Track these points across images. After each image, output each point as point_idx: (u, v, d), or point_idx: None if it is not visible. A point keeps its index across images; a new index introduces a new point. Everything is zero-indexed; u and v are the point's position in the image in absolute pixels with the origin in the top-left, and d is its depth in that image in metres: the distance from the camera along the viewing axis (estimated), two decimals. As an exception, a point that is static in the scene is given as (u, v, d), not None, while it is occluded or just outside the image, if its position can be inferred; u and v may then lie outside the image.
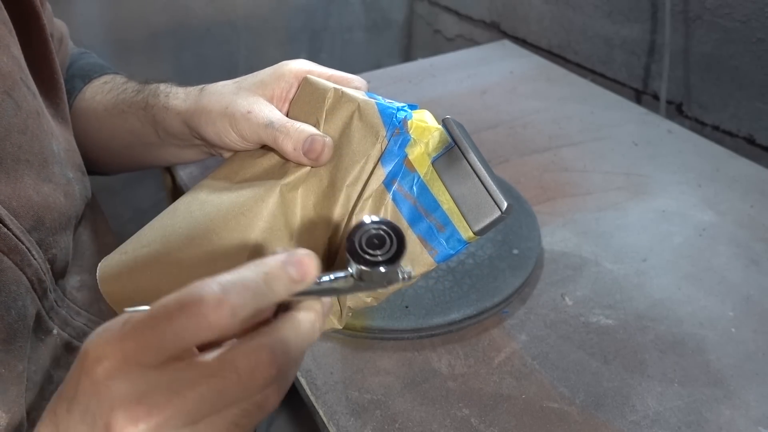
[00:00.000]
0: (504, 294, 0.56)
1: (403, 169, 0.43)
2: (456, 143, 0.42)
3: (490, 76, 0.97)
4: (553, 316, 0.56)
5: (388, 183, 0.43)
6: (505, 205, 0.40)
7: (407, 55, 1.52)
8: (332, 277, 0.30)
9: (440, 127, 0.43)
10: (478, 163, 0.41)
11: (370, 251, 0.30)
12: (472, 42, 1.28)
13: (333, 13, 1.37)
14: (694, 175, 0.74)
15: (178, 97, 0.52)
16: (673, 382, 0.50)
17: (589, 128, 0.84)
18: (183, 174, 0.75)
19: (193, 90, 0.51)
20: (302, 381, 0.50)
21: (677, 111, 0.91)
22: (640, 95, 0.96)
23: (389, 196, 0.42)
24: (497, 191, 0.40)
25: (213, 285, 0.25)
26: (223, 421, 0.26)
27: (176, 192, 0.81)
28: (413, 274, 0.36)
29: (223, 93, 0.48)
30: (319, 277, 0.29)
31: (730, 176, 0.74)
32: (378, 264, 0.30)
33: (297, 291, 0.28)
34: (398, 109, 0.43)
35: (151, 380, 0.24)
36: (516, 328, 0.55)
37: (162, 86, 0.54)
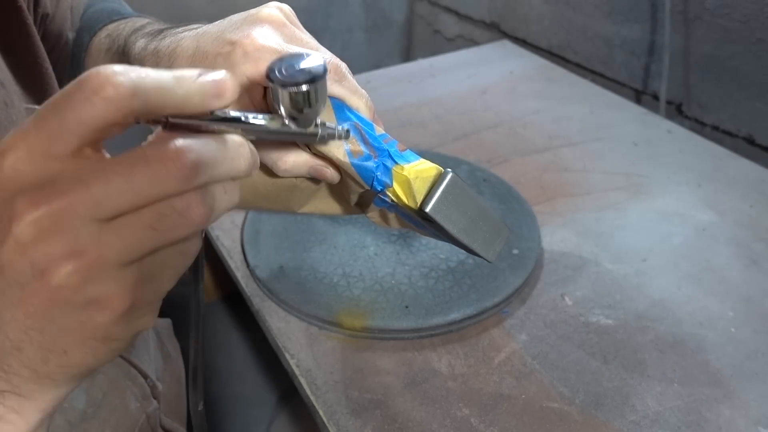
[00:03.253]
0: (504, 294, 0.56)
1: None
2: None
3: (490, 76, 0.98)
4: (553, 316, 0.56)
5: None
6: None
7: (407, 56, 1.52)
8: (261, 115, 0.29)
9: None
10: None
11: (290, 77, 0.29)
12: (472, 42, 1.28)
13: (333, 14, 1.37)
14: (694, 175, 0.74)
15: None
16: (673, 381, 0.50)
17: (589, 128, 0.84)
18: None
19: (168, 47, 0.48)
20: (302, 381, 0.50)
21: (677, 111, 0.91)
22: (640, 95, 0.96)
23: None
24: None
25: (114, 66, 0.23)
26: (138, 221, 0.24)
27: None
28: (344, 128, 0.34)
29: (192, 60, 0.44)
30: (242, 113, 0.28)
31: (729, 176, 0.74)
32: (298, 83, 0.29)
33: (211, 107, 0.26)
34: (378, 167, 0.40)
35: (56, 168, 0.23)
36: (516, 328, 0.55)
37: (149, 52, 0.49)
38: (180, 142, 0.24)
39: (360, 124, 0.40)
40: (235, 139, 0.27)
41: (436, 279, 0.57)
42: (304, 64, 0.30)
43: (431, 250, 0.60)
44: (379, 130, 0.41)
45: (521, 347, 0.53)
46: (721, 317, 0.56)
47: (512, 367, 0.51)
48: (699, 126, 0.88)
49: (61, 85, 0.55)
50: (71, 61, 0.61)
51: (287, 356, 0.52)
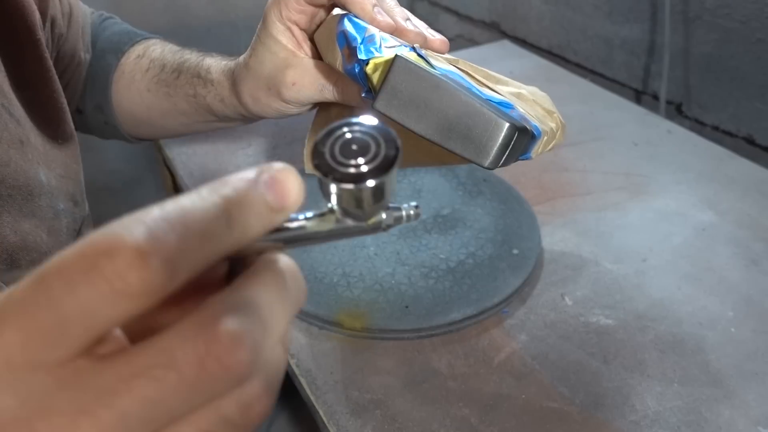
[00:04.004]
0: (504, 294, 0.56)
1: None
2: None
3: (490, 76, 0.97)
4: (553, 316, 0.56)
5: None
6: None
7: (407, 55, 1.52)
8: (303, 215, 0.21)
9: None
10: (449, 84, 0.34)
11: (346, 161, 0.20)
12: (472, 42, 1.28)
13: (333, 14, 1.37)
14: (694, 175, 0.74)
15: (223, 86, 0.53)
16: (673, 381, 0.50)
17: (589, 128, 0.84)
18: (183, 174, 0.75)
19: (229, 77, 0.53)
20: (302, 381, 0.50)
21: (677, 111, 0.91)
22: (640, 95, 0.96)
23: None
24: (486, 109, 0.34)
25: (134, 225, 0.16)
26: None
27: (176, 192, 0.81)
28: (417, 207, 0.24)
29: (259, 77, 0.50)
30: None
31: (729, 176, 0.74)
32: (362, 177, 0.19)
33: (273, 226, 0.19)
34: (354, 68, 0.39)
35: (47, 389, 0.16)
36: (516, 328, 0.55)
37: (202, 71, 0.55)
38: (227, 320, 0.16)
39: (349, 28, 0.40)
40: (286, 264, 0.19)
41: (436, 279, 0.57)
42: (366, 141, 0.20)
43: (431, 250, 0.60)
44: (372, 30, 0.40)
45: (521, 347, 0.53)
46: (721, 317, 0.56)
47: (512, 367, 0.51)
48: (699, 126, 0.88)
49: (71, 109, 0.55)
50: (92, 82, 0.62)
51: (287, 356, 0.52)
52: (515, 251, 0.60)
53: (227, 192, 0.17)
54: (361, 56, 0.38)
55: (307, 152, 0.53)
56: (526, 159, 0.41)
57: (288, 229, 0.20)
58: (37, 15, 0.47)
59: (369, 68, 0.38)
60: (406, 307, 0.54)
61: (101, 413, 0.16)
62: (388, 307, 0.54)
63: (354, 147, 0.20)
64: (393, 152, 0.20)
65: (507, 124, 0.35)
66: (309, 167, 0.53)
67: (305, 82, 0.48)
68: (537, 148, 0.42)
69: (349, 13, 0.43)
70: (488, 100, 0.37)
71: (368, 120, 0.21)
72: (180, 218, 0.16)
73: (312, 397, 0.49)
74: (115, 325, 0.16)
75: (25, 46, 0.46)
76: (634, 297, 0.58)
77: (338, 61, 0.42)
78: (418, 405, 0.48)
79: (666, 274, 0.60)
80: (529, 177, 0.74)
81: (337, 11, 0.46)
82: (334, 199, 0.20)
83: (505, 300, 0.56)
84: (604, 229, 0.66)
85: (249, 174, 0.18)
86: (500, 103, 0.38)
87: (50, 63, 0.49)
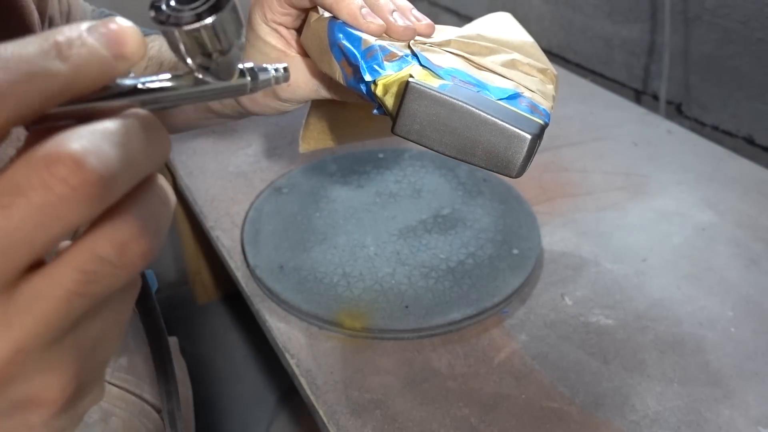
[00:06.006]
0: (504, 294, 0.56)
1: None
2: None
3: (490, 76, 0.97)
4: (553, 316, 0.56)
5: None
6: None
7: (407, 56, 1.52)
8: (160, 76, 0.21)
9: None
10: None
11: (182, 8, 0.20)
12: (472, 42, 1.28)
13: (333, 14, 1.37)
14: (694, 175, 0.74)
15: None
16: (673, 381, 0.50)
17: (589, 128, 0.84)
18: (183, 173, 0.75)
19: None
20: (302, 381, 0.50)
21: (677, 111, 0.91)
22: (640, 95, 0.96)
23: None
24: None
25: None
26: (55, 287, 0.17)
27: (176, 193, 0.81)
28: (280, 68, 0.24)
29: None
30: (136, 79, 0.20)
31: (729, 176, 0.74)
32: (198, 18, 0.20)
33: (115, 73, 0.18)
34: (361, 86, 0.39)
35: None
36: (516, 328, 0.55)
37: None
38: (70, 142, 0.16)
39: (344, 42, 0.40)
40: (142, 115, 0.19)
41: (436, 279, 0.57)
42: None
43: (431, 250, 0.60)
44: (368, 40, 0.39)
45: (521, 347, 0.53)
46: (721, 317, 0.56)
47: (512, 367, 0.51)
48: (699, 126, 0.88)
49: None
50: None
51: (287, 356, 0.52)
52: (515, 251, 0.60)
53: (57, 33, 0.17)
54: (367, 78, 0.38)
55: (301, 134, 0.53)
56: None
57: (144, 90, 0.20)
58: (35, 15, 0.47)
59: (379, 91, 0.38)
60: (406, 307, 0.54)
61: None
62: (388, 307, 0.54)
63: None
64: None
65: (529, 137, 0.35)
66: (302, 146, 0.54)
67: (299, 82, 0.48)
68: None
69: (335, 19, 0.42)
70: (501, 102, 0.37)
71: None
72: (12, 50, 0.16)
73: (312, 397, 0.49)
74: None
75: (18, 30, 0.46)
76: (634, 297, 0.58)
77: (338, 74, 0.42)
78: (418, 405, 0.48)
79: (666, 274, 0.60)
80: (529, 177, 0.74)
81: (321, 12, 0.44)
82: (182, 50, 0.21)
83: (505, 300, 0.56)
84: (604, 229, 0.66)
85: (84, 23, 0.18)
86: (509, 97, 0.38)
87: None
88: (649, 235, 0.65)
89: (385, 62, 0.38)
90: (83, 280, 0.17)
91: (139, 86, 0.20)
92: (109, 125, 0.17)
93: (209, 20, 0.20)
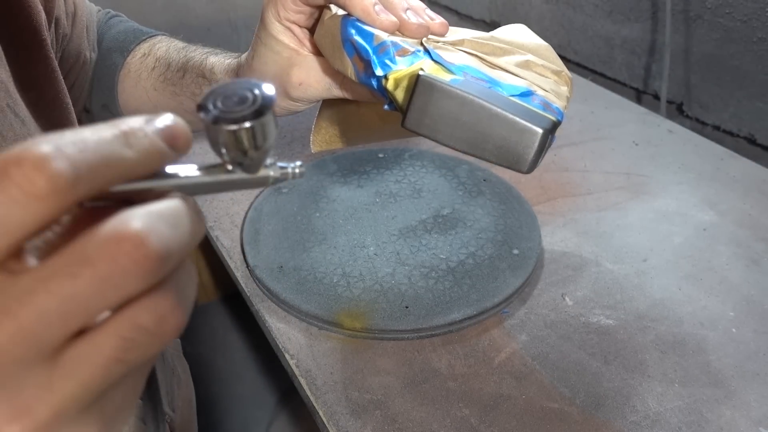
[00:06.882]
0: (504, 294, 0.55)
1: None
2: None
3: (490, 75, 0.97)
4: (554, 316, 0.56)
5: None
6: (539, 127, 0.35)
7: (407, 55, 1.52)
8: (195, 166, 0.23)
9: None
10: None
11: (228, 109, 0.23)
12: (473, 42, 1.28)
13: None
14: (695, 174, 0.74)
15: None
16: (674, 382, 0.50)
17: (590, 128, 0.83)
18: (183, 174, 0.75)
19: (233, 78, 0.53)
20: (302, 381, 0.50)
21: (678, 111, 0.90)
22: (641, 95, 0.96)
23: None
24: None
25: (39, 141, 0.17)
26: (98, 353, 0.18)
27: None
28: (298, 165, 0.27)
29: (264, 78, 0.50)
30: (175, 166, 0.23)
31: (730, 176, 0.74)
32: (241, 119, 0.22)
33: (164, 162, 0.21)
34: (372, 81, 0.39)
35: None
36: (516, 328, 0.55)
37: (206, 71, 0.54)
38: (134, 221, 0.18)
39: (356, 37, 0.40)
40: (189, 199, 0.21)
41: (436, 279, 0.57)
42: (244, 93, 0.23)
43: (431, 250, 0.60)
44: (381, 36, 0.40)
45: (521, 347, 0.53)
46: (722, 317, 0.55)
47: (512, 368, 0.51)
48: (700, 126, 0.88)
49: (77, 108, 0.55)
50: (98, 81, 0.62)
51: (287, 356, 0.52)
52: (515, 251, 0.60)
53: (123, 124, 0.19)
54: (378, 72, 0.38)
55: (312, 134, 0.53)
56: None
57: (181, 177, 0.22)
58: (42, 15, 0.47)
59: (390, 85, 0.38)
60: (406, 307, 0.54)
61: (19, 311, 0.17)
62: (388, 307, 0.54)
63: (234, 99, 0.23)
64: (268, 99, 0.23)
65: (541, 132, 0.35)
66: (314, 146, 0.54)
67: (311, 81, 0.48)
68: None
69: (348, 16, 0.42)
70: (513, 98, 0.37)
71: (245, 78, 0.22)
72: (81, 136, 0.18)
73: (312, 398, 0.49)
74: (29, 231, 0.17)
75: (30, 47, 0.46)
76: (634, 297, 0.57)
77: (350, 70, 0.42)
78: (418, 405, 0.48)
79: (667, 274, 0.60)
80: (529, 177, 0.74)
81: (334, 9, 0.45)
82: (221, 148, 0.23)
83: (505, 300, 0.56)
84: (605, 229, 0.66)
85: (141, 117, 0.20)
86: (522, 94, 0.38)
87: (55, 63, 0.48)
88: (650, 235, 0.65)
89: (396, 57, 0.38)
90: (123, 347, 0.18)
91: (180, 174, 0.22)
92: (163, 208, 0.19)
93: (249, 124, 0.22)
